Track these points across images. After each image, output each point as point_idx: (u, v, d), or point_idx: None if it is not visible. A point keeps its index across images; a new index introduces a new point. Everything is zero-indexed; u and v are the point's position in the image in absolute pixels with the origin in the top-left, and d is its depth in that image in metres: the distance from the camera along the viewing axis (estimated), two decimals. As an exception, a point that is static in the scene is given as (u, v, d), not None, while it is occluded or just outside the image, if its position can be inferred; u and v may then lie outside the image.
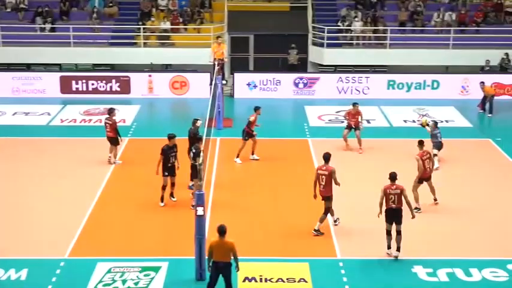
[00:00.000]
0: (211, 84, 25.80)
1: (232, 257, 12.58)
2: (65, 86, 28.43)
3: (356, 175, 19.53)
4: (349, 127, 21.67)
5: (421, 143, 17.06)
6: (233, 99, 28.39)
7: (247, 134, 20.37)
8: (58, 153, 21.32)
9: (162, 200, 17.33)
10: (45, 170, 19.88)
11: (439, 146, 20.02)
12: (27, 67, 30.72)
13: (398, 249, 14.66)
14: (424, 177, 16.88)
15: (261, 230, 16.17)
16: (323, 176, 15.50)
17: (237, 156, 20.40)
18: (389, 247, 14.77)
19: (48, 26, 31.49)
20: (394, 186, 14.49)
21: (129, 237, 15.74)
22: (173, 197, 17.55)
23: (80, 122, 24.84)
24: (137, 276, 13.89)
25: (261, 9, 32.88)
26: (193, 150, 16.68)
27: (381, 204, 14.54)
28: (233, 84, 28.84)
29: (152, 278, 13.83)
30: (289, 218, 16.83)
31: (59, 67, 30.80)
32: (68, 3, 32.60)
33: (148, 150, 21.42)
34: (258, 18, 32.09)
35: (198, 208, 13.46)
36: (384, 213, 14.59)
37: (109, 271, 14.09)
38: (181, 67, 30.10)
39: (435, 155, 19.49)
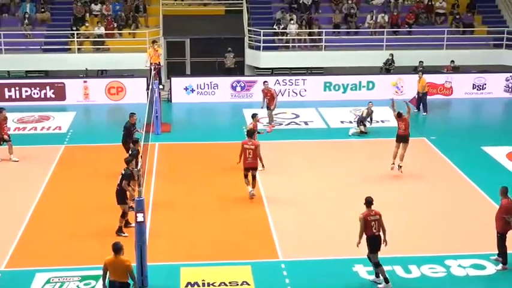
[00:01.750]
0: (148, 89, 25.63)
1: (129, 277, 12.03)
2: (-3, 94, 27.79)
3: (294, 177, 19.68)
4: None
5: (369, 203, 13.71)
6: (171, 103, 28.23)
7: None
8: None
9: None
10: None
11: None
12: (-44, 76, 29.90)
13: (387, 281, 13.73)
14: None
15: (203, 234, 16.11)
16: (250, 150, 17.57)
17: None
18: (387, 281, 13.66)
19: (-23, 32, 30.68)
20: (373, 212, 13.48)
21: (68, 245, 15.44)
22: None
23: (15, 130, 24.25)
24: (77, 286, 13.65)
25: (197, 13, 32.81)
26: (130, 152, 16.42)
27: (361, 235, 13.47)
28: (170, 89, 28.67)
29: (93, 287, 13.61)
30: (230, 220, 16.83)
31: (-10, 74, 30.07)
32: (-1, 9, 31.87)
33: (84, 157, 21.13)
34: (194, 22, 32.01)
35: (138, 214, 13.31)
36: (367, 243, 13.55)
37: (48, 281, 13.81)
38: (117, 72, 29.78)
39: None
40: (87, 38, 31.12)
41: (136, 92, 28.00)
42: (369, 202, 13.51)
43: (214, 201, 18.00)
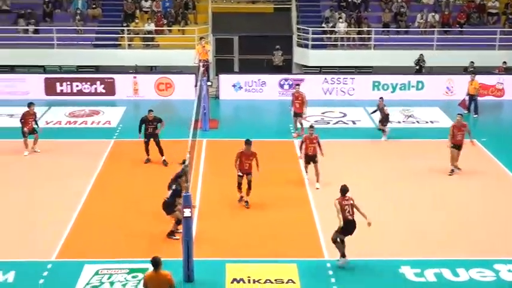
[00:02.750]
0: (196, 85, 25.78)
1: None
2: (50, 88, 28.26)
3: (341, 177, 19.58)
4: None
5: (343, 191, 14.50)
6: (218, 100, 28.36)
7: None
8: (44, 155, 21.16)
9: None
10: (32, 171, 19.73)
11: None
12: (11, 69, 30.51)
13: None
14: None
15: (249, 231, 16.17)
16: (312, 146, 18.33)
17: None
18: (344, 256, 14.42)
19: (31, 27, 31.29)
20: (347, 197, 14.29)
21: (117, 238, 15.68)
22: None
23: (66, 124, 24.69)
24: (125, 278, 13.83)
25: (245, 11, 32.92)
26: (174, 188, 15.64)
27: (340, 218, 14.10)
28: (218, 86, 28.81)
29: (140, 280, 13.76)
30: (277, 218, 16.83)
31: (43, 69, 30.62)
32: (51, 5, 32.43)
33: (134, 151, 21.35)
34: (242, 20, 32.10)
35: (185, 210, 13.41)
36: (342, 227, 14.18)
37: (96, 273, 14.02)
38: (166, 68, 30.05)
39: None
40: (137, 34, 31.47)
41: (184, 88, 28.22)
42: (343, 191, 14.34)
43: (261, 199, 18.01)
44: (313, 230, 16.12)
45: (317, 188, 18.63)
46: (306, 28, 30.86)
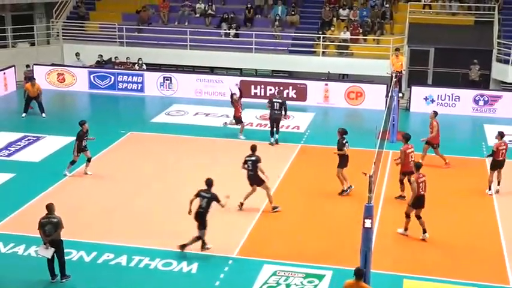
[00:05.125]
0: (387, 96, 25.58)
1: None
2: (245, 90, 29.27)
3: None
4: None
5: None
6: (409, 112, 27.92)
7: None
8: (232, 155, 22.02)
9: None
10: (221, 168, 20.59)
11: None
12: (211, 70, 32.15)
13: None
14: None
15: (429, 245, 15.80)
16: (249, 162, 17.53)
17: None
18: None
19: (232, 31, 32.76)
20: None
21: (296, 241, 16.00)
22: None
23: (256, 126, 25.56)
24: (301, 282, 14.08)
25: (444, 23, 32.09)
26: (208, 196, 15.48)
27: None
28: (410, 98, 28.36)
29: (315, 286, 13.95)
30: (462, 238, 16.31)
31: (240, 71, 31.92)
32: (253, 11, 33.70)
33: (319, 157, 21.63)
34: (440, 32, 31.33)
35: (366, 220, 13.37)
36: None
37: (274, 274, 14.40)
38: (357, 77, 30.10)
39: None
40: (332, 42, 31.82)
41: (375, 98, 28.08)
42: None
43: (447, 216, 17.54)
44: (498, 252, 15.44)
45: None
46: (508, 43, 29.47)
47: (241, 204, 17.69)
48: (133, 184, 19.44)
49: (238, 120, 23.79)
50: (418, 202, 15.96)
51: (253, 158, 17.60)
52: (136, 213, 17.47)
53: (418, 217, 16.06)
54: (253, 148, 17.85)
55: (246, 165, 17.64)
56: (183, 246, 15.17)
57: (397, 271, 14.61)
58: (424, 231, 16.09)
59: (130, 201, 18.29)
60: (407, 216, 16.18)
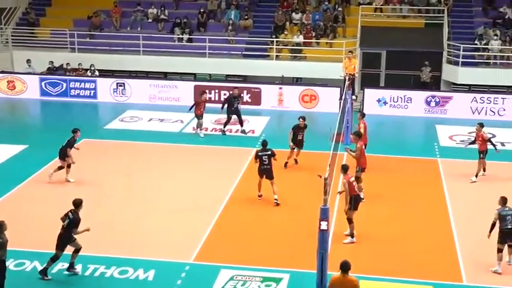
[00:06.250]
0: (340, 98, 25.79)
1: None
2: (199, 95, 29.23)
3: (483, 198, 18.90)
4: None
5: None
6: (362, 114, 28.15)
7: None
8: (188, 160, 21.97)
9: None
10: (176, 175, 20.51)
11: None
12: (164, 75, 31.98)
13: None
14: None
15: (384, 247, 15.95)
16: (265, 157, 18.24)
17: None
18: None
19: (185, 36, 32.66)
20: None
21: (253, 245, 15.98)
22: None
23: (211, 131, 25.51)
24: (258, 286, 14.06)
25: (395, 25, 32.53)
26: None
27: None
28: (363, 100, 28.66)
29: (273, 289, 13.97)
30: (416, 236, 16.51)
31: (194, 76, 31.83)
32: (206, 15, 33.66)
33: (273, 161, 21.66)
34: (392, 34, 31.75)
35: (322, 222, 13.43)
36: None
37: (231, 278, 14.35)
38: (311, 81, 30.29)
39: None
40: (286, 45, 31.96)
41: (329, 101, 28.31)
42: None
43: (402, 216, 17.76)
44: (452, 251, 15.69)
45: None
46: (458, 45, 30.03)
47: (261, 195, 18.54)
48: (88, 191, 19.16)
49: (199, 117, 24.27)
50: (355, 203, 16.00)
51: (268, 153, 18.34)
52: (91, 221, 17.21)
53: (350, 221, 16.06)
54: (265, 144, 18.57)
55: (260, 160, 18.30)
56: None
57: (353, 272, 14.65)
58: (352, 236, 16.13)
59: (84, 208, 18.01)
60: (350, 221, 16.09)
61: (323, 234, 13.42)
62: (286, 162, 21.22)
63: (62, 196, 18.39)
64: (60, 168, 19.67)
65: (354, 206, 16.03)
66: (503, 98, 27.82)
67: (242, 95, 26.25)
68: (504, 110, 27.63)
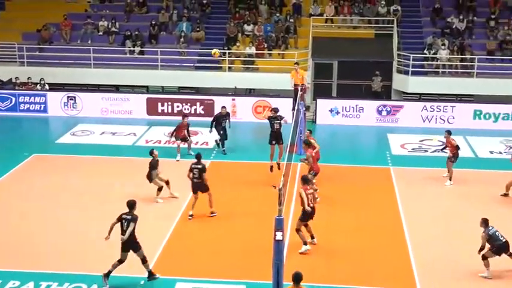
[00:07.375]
0: (293, 109, 25.91)
1: None
2: (151, 107, 29.13)
3: (437, 207, 19.18)
4: None
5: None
6: (315, 125, 28.38)
7: None
8: (142, 173, 21.75)
9: None
10: (129, 188, 20.29)
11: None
12: (116, 88, 31.68)
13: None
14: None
15: (342, 256, 16.05)
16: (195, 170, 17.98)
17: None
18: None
19: (137, 49, 32.45)
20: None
21: (208, 258, 15.90)
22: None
23: (164, 143, 25.35)
24: (215, 298, 14.01)
25: (346, 36, 32.86)
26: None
27: None
28: (315, 110, 28.85)
29: (229, 301, 13.89)
30: (370, 245, 16.63)
31: (146, 89, 31.64)
32: (157, 27, 33.50)
33: (229, 173, 21.63)
34: (343, 45, 32.06)
35: (277, 233, 13.44)
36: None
37: (187, 291, 14.27)
38: (264, 92, 30.38)
39: None
40: (238, 57, 32.02)
41: (281, 112, 28.20)
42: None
43: (357, 224, 17.88)
44: (405, 259, 15.84)
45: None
46: (407, 54, 30.52)
47: (192, 215, 18.06)
48: (39, 208, 18.84)
49: (184, 138, 23.80)
50: (307, 215, 16.20)
51: (199, 166, 18.02)
52: (43, 238, 16.93)
53: (298, 230, 16.20)
54: (199, 157, 18.29)
55: (191, 173, 17.99)
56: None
57: (309, 281, 14.70)
58: (305, 244, 16.20)
59: (36, 225, 17.72)
60: (298, 231, 16.21)
61: (278, 245, 13.44)
62: (272, 166, 21.28)
63: (5, 212, 18.10)
64: (160, 189, 19.56)
65: (304, 218, 16.22)
66: (452, 106, 28.33)
67: (229, 112, 25.17)
68: (453, 118, 28.13)
